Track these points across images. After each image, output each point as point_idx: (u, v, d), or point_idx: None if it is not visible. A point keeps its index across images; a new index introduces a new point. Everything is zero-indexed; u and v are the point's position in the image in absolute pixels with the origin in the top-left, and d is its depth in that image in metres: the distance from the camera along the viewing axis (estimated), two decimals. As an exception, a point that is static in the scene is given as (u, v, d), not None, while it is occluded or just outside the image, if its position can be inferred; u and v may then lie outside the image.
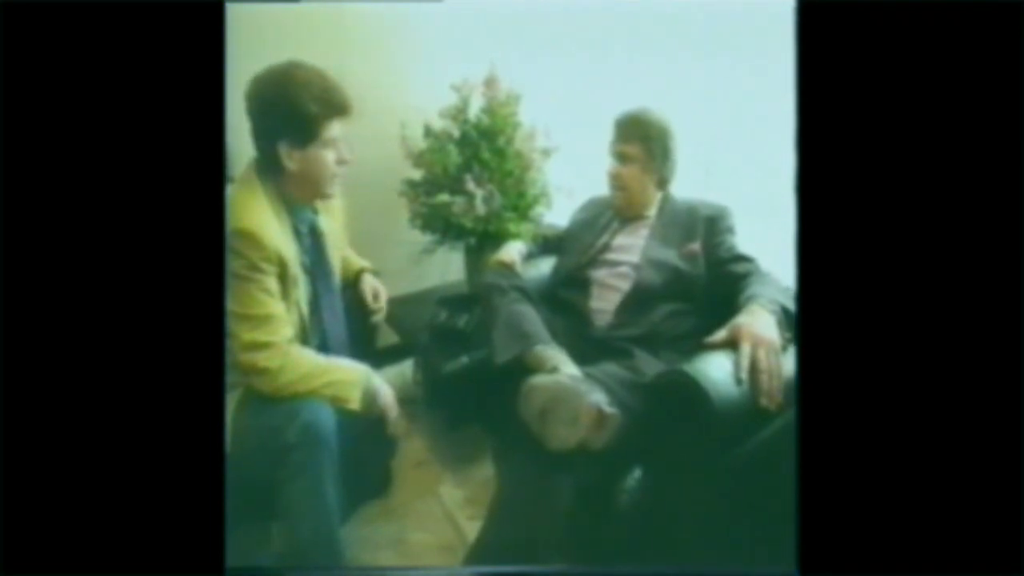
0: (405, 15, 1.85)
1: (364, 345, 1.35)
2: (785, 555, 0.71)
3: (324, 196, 1.18)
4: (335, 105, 1.08)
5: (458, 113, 1.70)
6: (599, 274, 1.34)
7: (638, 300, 1.27)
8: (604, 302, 1.30)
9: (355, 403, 1.09)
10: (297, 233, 1.15)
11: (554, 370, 1.06)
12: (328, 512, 1.04)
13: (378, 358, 1.41)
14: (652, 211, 1.41)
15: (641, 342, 1.20)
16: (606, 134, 1.40)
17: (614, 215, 1.43)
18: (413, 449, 1.64)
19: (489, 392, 1.26)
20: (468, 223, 1.65)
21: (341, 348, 1.23)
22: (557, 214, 1.75)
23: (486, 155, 1.66)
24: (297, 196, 1.14)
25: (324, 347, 1.20)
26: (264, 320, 1.05)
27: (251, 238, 1.03)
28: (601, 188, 1.46)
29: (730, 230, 1.33)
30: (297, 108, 1.05)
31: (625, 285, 1.29)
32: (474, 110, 1.71)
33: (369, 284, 1.38)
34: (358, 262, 1.41)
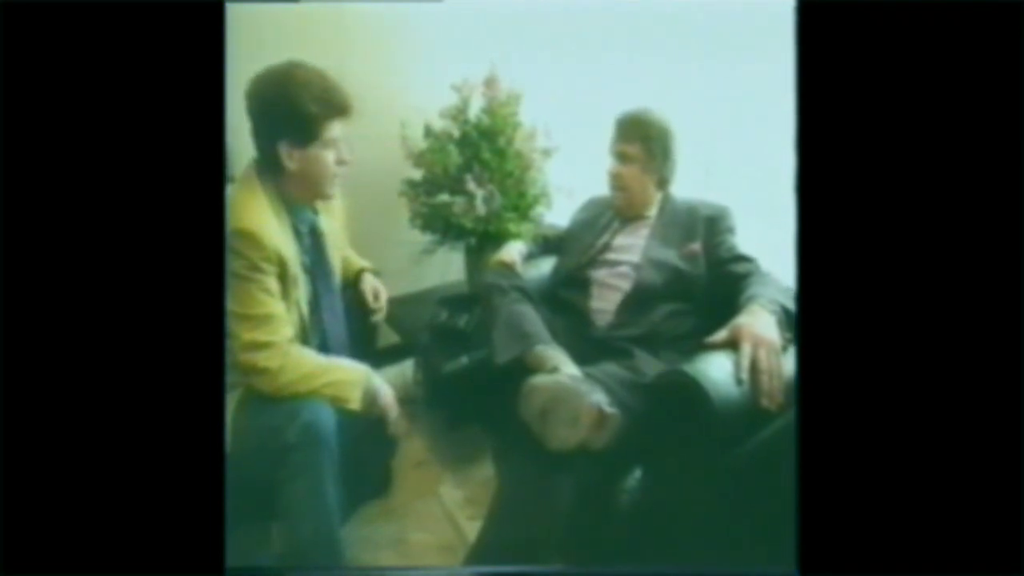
0: (405, 15, 1.85)
1: (364, 345, 1.35)
2: (785, 555, 0.71)
3: (324, 196, 1.18)
4: (335, 105, 1.08)
5: (458, 113, 1.70)
6: (599, 274, 1.34)
7: (638, 300, 1.27)
8: (604, 302, 1.30)
9: (355, 403, 1.10)
10: (297, 233, 1.15)
11: (554, 370, 1.06)
12: (328, 512, 1.04)
13: (378, 358, 1.41)
14: (652, 211, 1.41)
15: (641, 342, 1.20)
16: (606, 134, 1.40)
17: (614, 215, 1.43)
18: (413, 449, 1.63)
19: (489, 392, 1.26)
20: (468, 223, 1.65)
21: (341, 348, 1.23)
22: (557, 214, 1.75)
23: (486, 155, 1.67)
24: (297, 196, 1.14)
25: (324, 347, 1.20)
26: (264, 320, 1.05)
27: (251, 238, 1.03)
28: (601, 188, 1.46)
29: (730, 230, 1.33)
30: (297, 108, 1.05)
31: (625, 285, 1.29)
32: (474, 110, 1.72)
33: (369, 284, 1.38)
34: (358, 262, 1.41)
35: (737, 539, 0.96)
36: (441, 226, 1.72)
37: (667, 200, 1.42)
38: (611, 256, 1.37)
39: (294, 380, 1.06)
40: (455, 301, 1.65)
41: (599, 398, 0.97)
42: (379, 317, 1.40)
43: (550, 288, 1.43)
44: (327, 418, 1.04)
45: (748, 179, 1.51)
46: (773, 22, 1.21)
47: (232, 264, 1.02)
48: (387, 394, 1.14)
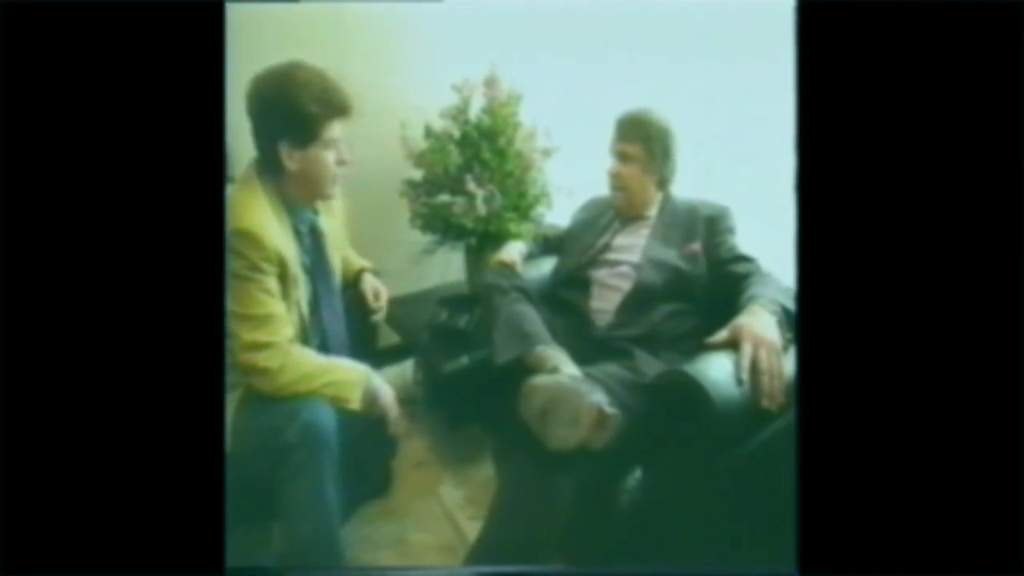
0: (405, 15, 1.85)
1: (364, 345, 1.35)
2: (785, 555, 0.71)
3: (324, 196, 1.18)
4: (335, 105, 1.08)
5: (459, 113, 1.70)
6: (600, 274, 1.34)
7: (639, 300, 1.27)
8: (605, 302, 1.30)
9: (355, 403, 1.09)
10: (297, 233, 1.15)
11: (555, 370, 1.06)
12: (328, 512, 1.04)
13: (378, 358, 1.41)
14: (653, 211, 1.41)
15: (642, 342, 1.20)
16: (607, 134, 1.40)
17: (615, 215, 1.43)
18: (413, 449, 1.63)
19: (489, 392, 1.26)
20: (469, 223, 1.65)
21: (341, 348, 1.23)
22: (558, 214, 1.75)
23: (487, 155, 1.67)
24: (297, 196, 1.14)
25: (324, 347, 1.20)
26: (264, 320, 1.05)
27: (251, 238, 1.03)
28: (602, 188, 1.46)
29: (731, 230, 1.33)
30: (297, 108, 1.05)
31: (626, 285, 1.29)
32: (475, 110, 1.72)
33: (369, 284, 1.38)
34: (358, 262, 1.41)
35: (737, 539, 0.96)
36: (441, 226, 1.72)
37: (667, 200, 1.41)
38: (611, 256, 1.37)
39: (294, 380, 1.06)
40: (455, 301, 1.65)
41: (599, 398, 0.97)
42: (379, 317, 1.39)
43: (550, 288, 1.43)
44: (327, 418, 1.04)
45: (748, 179, 1.51)
46: (773, 22, 1.21)
47: (232, 264, 1.02)
48: (387, 394, 1.14)
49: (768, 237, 1.30)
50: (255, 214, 1.06)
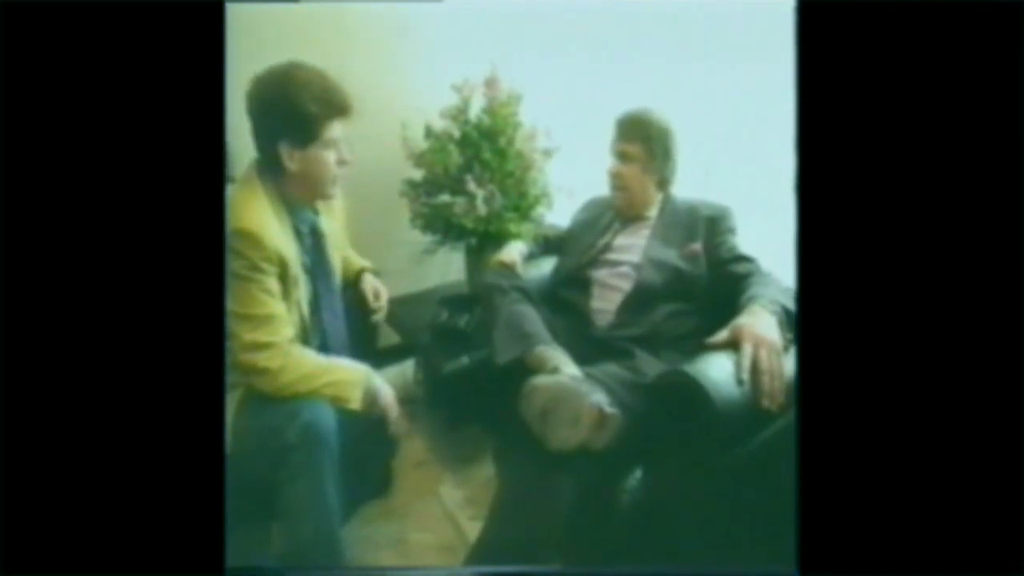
0: (405, 15, 1.85)
1: (365, 345, 1.35)
2: (785, 555, 0.71)
3: (325, 196, 1.18)
4: (336, 105, 1.08)
5: (459, 113, 1.70)
6: (600, 274, 1.34)
7: (639, 300, 1.27)
8: (605, 302, 1.30)
9: (356, 403, 1.10)
10: (298, 233, 1.15)
11: (555, 370, 1.06)
12: (329, 512, 1.04)
13: (379, 358, 1.41)
14: (653, 211, 1.41)
15: (642, 342, 1.20)
16: (607, 134, 1.40)
17: (615, 215, 1.43)
18: (414, 449, 1.63)
19: (490, 392, 1.26)
20: (469, 223, 1.65)
21: (342, 348, 1.23)
22: (558, 214, 1.75)
23: (487, 155, 1.67)
24: (298, 196, 1.14)
25: (325, 347, 1.20)
26: (265, 320, 1.05)
27: (252, 238, 1.03)
28: (602, 188, 1.46)
29: (731, 230, 1.33)
30: (298, 108, 1.05)
31: (626, 285, 1.29)
32: (475, 110, 1.71)
33: (370, 284, 1.38)
34: (359, 262, 1.41)
35: (737, 539, 0.96)
36: (442, 226, 1.72)
37: (668, 200, 1.41)
38: (612, 256, 1.37)
39: (294, 380, 1.06)
40: (456, 301, 1.65)
41: (600, 398, 0.97)
42: (379, 317, 1.40)
43: (551, 288, 1.43)
44: (327, 418, 1.04)
45: (748, 179, 1.51)
46: (773, 22, 1.21)
47: (233, 264, 1.02)
48: (387, 394, 1.14)
49: (768, 237, 1.30)
50: (255, 214, 1.06)
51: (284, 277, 1.09)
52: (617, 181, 1.39)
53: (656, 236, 1.35)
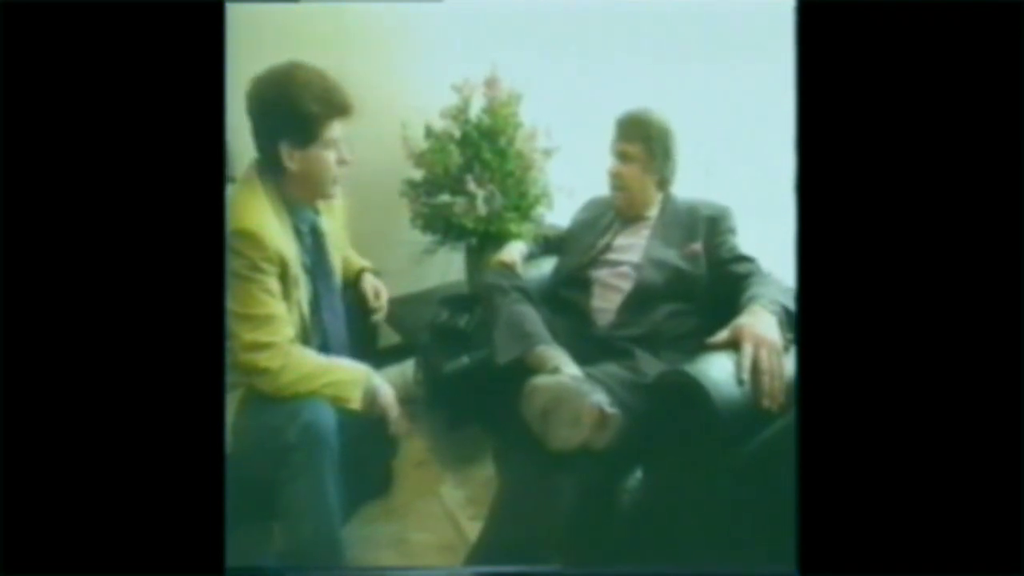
0: (405, 15, 1.85)
1: (365, 345, 1.35)
2: (785, 555, 0.71)
3: (325, 196, 1.18)
4: (336, 105, 1.08)
5: (459, 113, 1.70)
6: (600, 274, 1.34)
7: (639, 300, 1.27)
8: (605, 302, 1.30)
9: (356, 403, 1.09)
10: (298, 233, 1.15)
11: (555, 370, 1.06)
12: (329, 512, 1.04)
13: (379, 358, 1.41)
14: (653, 211, 1.41)
15: (642, 342, 1.20)
16: (607, 134, 1.40)
17: (615, 215, 1.43)
18: (414, 449, 1.63)
19: (490, 392, 1.26)
20: (469, 223, 1.65)
21: (342, 348, 1.23)
22: (558, 214, 1.75)
23: (487, 155, 1.66)
24: (298, 196, 1.14)
25: (325, 347, 1.20)
26: (265, 320, 1.05)
27: (252, 238, 1.03)
28: (602, 188, 1.46)
29: (731, 230, 1.33)
30: (298, 108, 1.05)
31: (626, 285, 1.29)
32: (475, 110, 1.71)
33: (370, 284, 1.38)
34: (359, 262, 1.41)
35: (737, 539, 0.96)
36: (442, 226, 1.72)
37: (668, 200, 1.41)
38: (612, 256, 1.37)
39: (295, 380, 1.06)
40: (456, 301, 1.65)
41: (600, 398, 0.97)
42: (380, 317, 1.39)
43: (551, 288, 1.43)
44: (328, 418, 1.04)
45: (748, 179, 1.51)
46: (773, 22, 1.21)
47: (233, 264, 1.02)
48: (388, 394, 1.14)
49: (768, 237, 1.30)
50: (256, 214, 1.06)
51: (284, 277, 1.09)
52: (617, 181, 1.39)
53: (656, 236, 1.35)
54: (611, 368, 1.12)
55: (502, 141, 1.69)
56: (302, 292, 1.15)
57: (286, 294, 1.10)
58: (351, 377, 1.11)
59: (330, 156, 1.11)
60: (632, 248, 1.35)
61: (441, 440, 1.70)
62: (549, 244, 1.61)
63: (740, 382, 0.94)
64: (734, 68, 1.45)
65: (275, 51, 1.11)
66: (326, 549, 1.05)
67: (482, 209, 1.64)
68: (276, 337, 1.05)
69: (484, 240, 1.70)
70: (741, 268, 1.25)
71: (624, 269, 1.32)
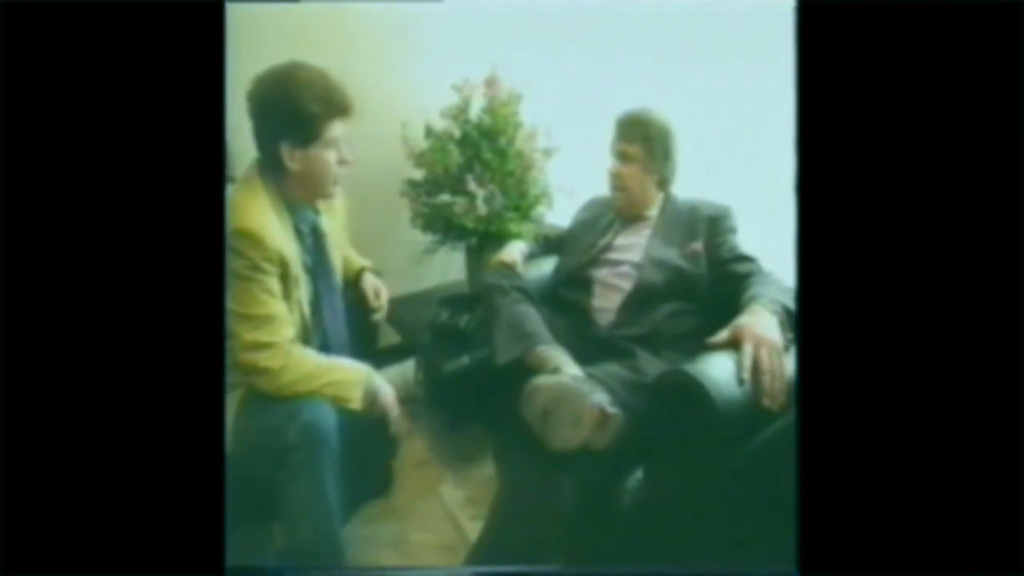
0: (405, 15, 1.85)
1: (365, 345, 1.35)
2: (785, 555, 0.71)
3: (325, 196, 1.18)
4: (336, 105, 1.08)
5: (459, 113, 1.70)
6: (601, 274, 1.34)
7: (640, 300, 1.27)
8: (606, 301, 1.30)
9: (356, 403, 1.09)
10: (298, 233, 1.15)
11: (556, 370, 1.06)
12: (329, 512, 1.04)
13: (379, 358, 1.41)
14: (654, 211, 1.40)
15: (643, 342, 1.20)
16: (607, 134, 1.40)
17: (616, 215, 1.43)
18: (414, 449, 1.63)
19: (490, 392, 1.26)
20: (469, 223, 1.65)
21: (342, 348, 1.23)
22: (558, 214, 1.75)
23: (487, 155, 1.67)
24: (299, 196, 1.14)
25: (325, 347, 1.20)
26: (266, 320, 1.05)
27: (253, 238, 1.03)
28: (602, 188, 1.45)
29: (732, 230, 1.33)
30: (298, 108, 1.05)
31: (627, 285, 1.29)
32: (475, 110, 1.71)
33: (370, 283, 1.38)
34: (359, 261, 1.41)
35: (737, 539, 0.96)
36: (442, 226, 1.72)
37: (668, 200, 1.41)
38: (613, 256, 1.37)
39: (295, 380, 1.06)
40: (456, 301, 1.66)
41: (601, 398, 0.97)
42: (380, 317, 1.39)
43: (551, 288, 1.43)
44: (328, 418, 1.04)
45: (748, 179, 1.51)
46: (773, 22, 1.21)
47: (234, 264, 1.02)
48: (388, 394, 1.14)
49: (768, 237, 1.30)
50: (256, 214, 1.06)
51: (285, 277, 1.09)
52: (617, 181, 1.39)
53: (657, 236, 1.35)
54: (612, 368, 1.12)
55: (502, 141, 1.69)
56: (302, 292, 1.15)
57: (286, 294, 1.10)
58: (351, 377, 1.11)
59: (330, 156, 1.11)
60: (633, 248, 1.35)
61: (441, 440, 1.70)
62: (549, 244, 1.61)
63: (740, 382, 0.94)
64: (734, 68, 1.45)
65: (275, 51, 1.11)
66: (326, 549, 1.05)
67: (482, 209, 1.64)
68: (276, 337, 1.05)
69: (484, 240, 1.70)
70: (742, 268, 1.25)
71: (625, 269, 1.32)
